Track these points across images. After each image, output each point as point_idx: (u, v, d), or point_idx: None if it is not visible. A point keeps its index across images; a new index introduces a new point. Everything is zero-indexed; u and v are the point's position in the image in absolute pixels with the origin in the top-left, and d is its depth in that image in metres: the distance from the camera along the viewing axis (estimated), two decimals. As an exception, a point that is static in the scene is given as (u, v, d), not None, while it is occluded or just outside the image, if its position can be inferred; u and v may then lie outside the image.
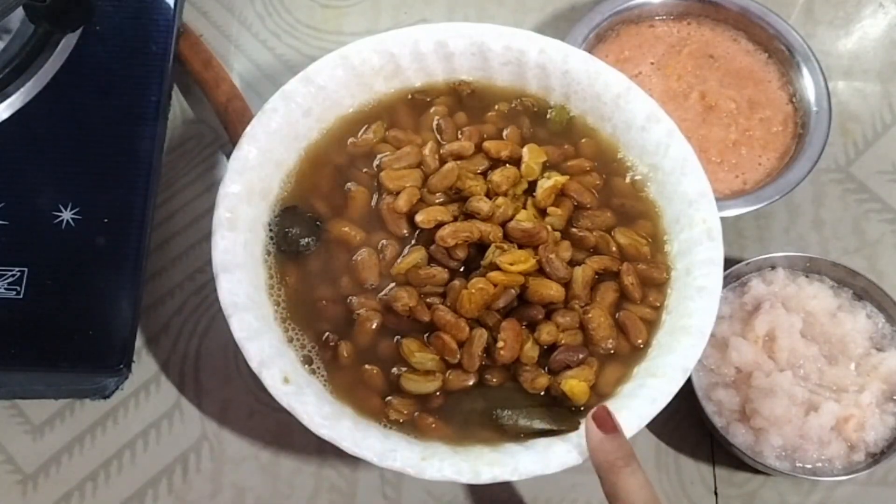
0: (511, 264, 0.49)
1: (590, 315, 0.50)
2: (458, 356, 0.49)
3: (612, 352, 0.50)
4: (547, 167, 0.54)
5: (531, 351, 0.49)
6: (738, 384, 0.53)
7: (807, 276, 0.57)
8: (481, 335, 0.49)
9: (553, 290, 0.50)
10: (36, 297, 0.51)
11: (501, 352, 0.48)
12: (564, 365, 0.49)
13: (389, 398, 0.49)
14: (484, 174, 0.54)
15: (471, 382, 0.49)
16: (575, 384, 0.48)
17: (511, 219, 0.52)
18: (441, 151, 0.54)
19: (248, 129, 0.53)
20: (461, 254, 0.51)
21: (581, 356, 0.49)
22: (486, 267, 0.50)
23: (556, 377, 0.49)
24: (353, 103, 0.57)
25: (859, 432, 0.52)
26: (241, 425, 0.55)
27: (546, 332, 0.49)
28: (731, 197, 0.59)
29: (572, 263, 0.51)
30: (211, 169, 0.63)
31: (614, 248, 0.53)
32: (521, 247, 0.51)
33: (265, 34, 0.69)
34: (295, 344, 0.50)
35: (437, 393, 0.49)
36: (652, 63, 0.64)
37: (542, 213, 0.53)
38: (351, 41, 0.56)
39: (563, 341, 0.50)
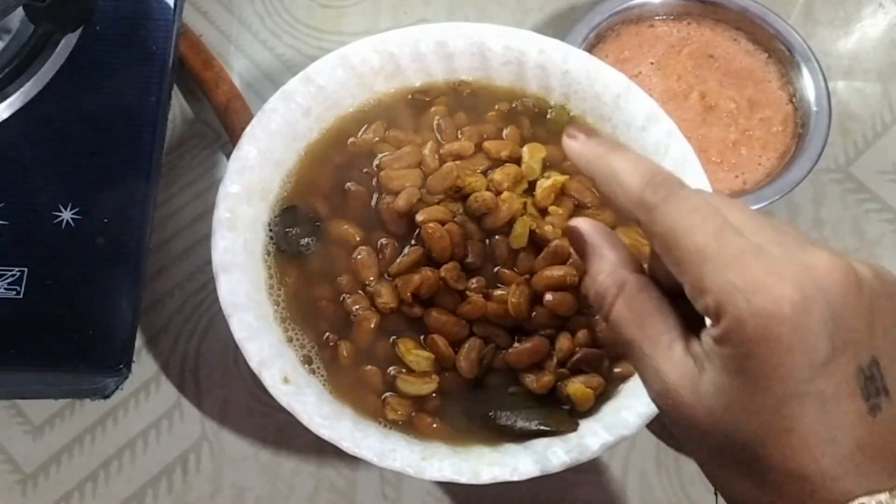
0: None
1: (595, 317, 0.50)
2: (454, 358, 0.49)
3: (612, 352, 0.50)
4: (547, 166, 0.54)
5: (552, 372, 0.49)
6: (739, 384, 0.53)
7: (807, 276, 0.57)
8: (473, 344, 0.49)
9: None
10: (36, 297, 0.51)
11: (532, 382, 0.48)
12: (579, 369, 0.49)
13: (386, 396, 0.49)
14: (484, 174, 0.54)
15: (468, 385, 0.49)
16: (580, 388, 0.47)
17: (510, 219, 0.52)
18: (441, 151, 0.54)
19: (248, 129, 0.53)
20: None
21: (599, 363, 0.49)
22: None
23: (564, 379, 0.49)
24: (353, 103, 0.57)
25: (859, 432, 0.52)
26: (241, 425, 0.55)
27: (566, 341, 0.49)
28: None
29: (572, 264, 0.51)
30: (211, 169, 0.63)
31: (615, 248, 0.52)
32: (520, 247, 0.51)
33: (265, 34, 0.69)
34: (295, 344, 0.50)
35: (434, 394, 0.49)
36: (652, 63, 0.64)
37: (543, 212, 0.53)
38: (351, 41, 0.56)
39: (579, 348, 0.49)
